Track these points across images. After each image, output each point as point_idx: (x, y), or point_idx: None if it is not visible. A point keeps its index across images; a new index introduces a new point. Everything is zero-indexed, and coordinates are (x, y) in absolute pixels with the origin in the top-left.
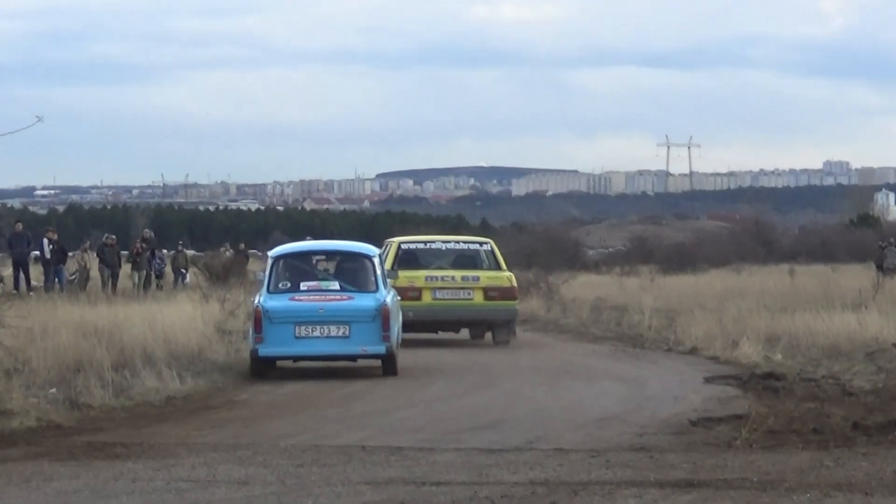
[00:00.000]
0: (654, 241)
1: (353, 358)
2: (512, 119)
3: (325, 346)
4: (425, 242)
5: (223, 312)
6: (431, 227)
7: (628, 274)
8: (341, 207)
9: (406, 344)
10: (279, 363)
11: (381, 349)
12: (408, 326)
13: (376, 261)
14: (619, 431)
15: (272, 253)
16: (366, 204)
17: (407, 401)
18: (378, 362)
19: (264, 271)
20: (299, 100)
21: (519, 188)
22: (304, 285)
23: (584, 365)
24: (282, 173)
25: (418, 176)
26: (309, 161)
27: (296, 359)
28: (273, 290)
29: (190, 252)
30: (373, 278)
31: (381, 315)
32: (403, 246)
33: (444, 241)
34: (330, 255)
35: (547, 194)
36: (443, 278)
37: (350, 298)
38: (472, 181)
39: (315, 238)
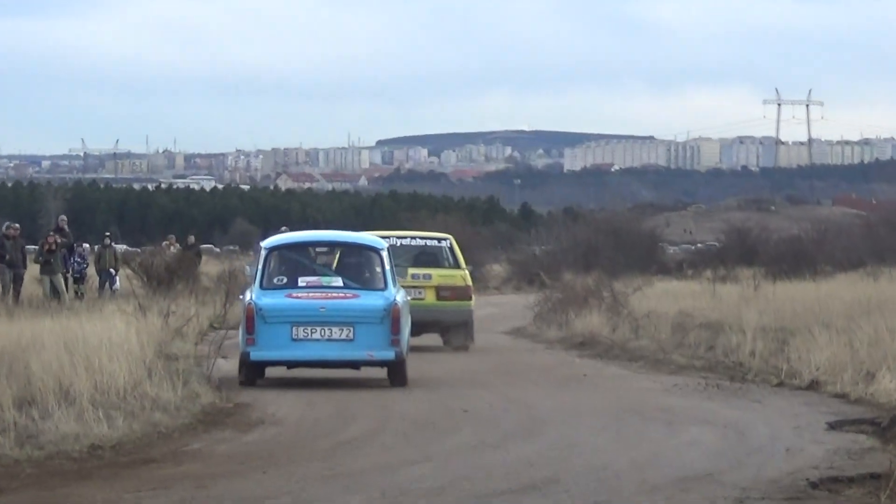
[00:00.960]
0: (758, 234)
1: (356, 365)
2: (563, 67)
3: (325, 351)
4: (382, 238)
5: (167, 331)
6: (453, 216)
7: (723, 279)
8: (328, 187)
9: (415, 368)
10: (268, 370)
11: (390, 355)
12: None
13: (385, 254)
14: (711, 496)
15: (265, 243)
16: (362, 182)
17: (421, 452)
18: (384, 371)
19: (255, 265)
20: (272, 40)
21: (573, 161)
22: (302, 281)
23: (662, 405)
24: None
25: (434, 144)
26: (285, 124)
27: (291, 365)
28: (267, 286)
29: (121, 247)
30: (381, 274)
31: (391, 316)
32: None
33: (399, 238)
34: (332, 246)
35: (612, 169)
36: None
37: (355, 297)
38: (508, 151)
39: (292, 229)
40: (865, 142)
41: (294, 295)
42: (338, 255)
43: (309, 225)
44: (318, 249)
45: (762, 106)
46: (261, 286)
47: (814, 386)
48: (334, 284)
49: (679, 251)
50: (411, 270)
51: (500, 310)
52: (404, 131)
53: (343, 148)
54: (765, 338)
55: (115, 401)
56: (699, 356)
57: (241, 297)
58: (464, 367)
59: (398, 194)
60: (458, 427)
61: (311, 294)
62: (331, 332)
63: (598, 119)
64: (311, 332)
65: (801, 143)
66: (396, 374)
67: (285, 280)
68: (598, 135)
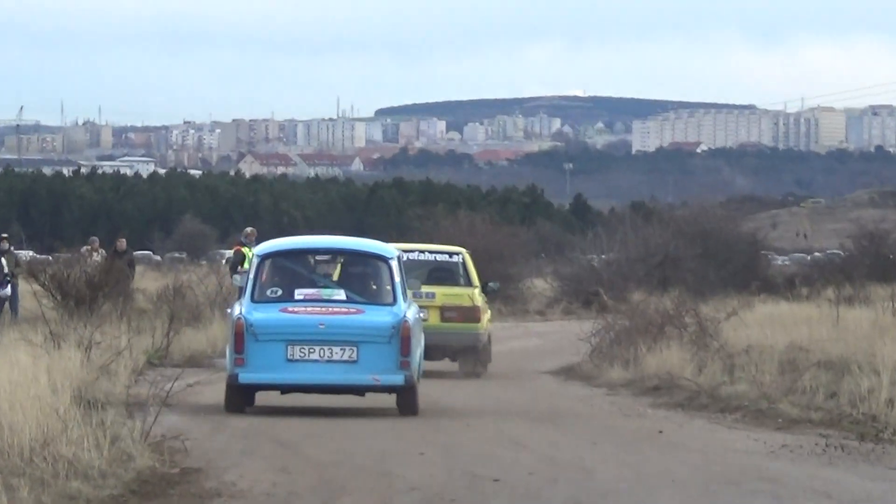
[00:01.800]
0: None
1: (360, 391)
2: (633, 13)
3: (324, 374)
4: None
5: (89, 369)
6: (480, 212)
7: (850, 301)
8: (310, 172)
9: (431, 419)
10: (257, 396)
11: (399, 380)
12: None
13: (395, 264)
14: None
15: (258, 250)
16: (356, 166)
17: None
18: (392, 398)
19: (247, 274)
20: None
21: (644, 138)
22: (299, 293)
23: (766, 473)
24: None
25: (455, 114)
26: (250, 88)
27: (285, 390)
28: (259, 299)
29: (25, 254)
30: (390, 287)
31: (400, 335)
32: None
33: (405, 252)
34: (334, 254)
35: (698, 150)
36: None
37: (359, 312)
38: (556, 124)
39: (258, 230)
40: None
41: (290, 309)
42: (340, 265)
43: (283, 224)
44: (318, 258)
45: None
46: (252, 299)
47: None
48: (336, 298)
49: (790, 262)
50: (412, 290)
51: (544, 341)
52: (413, 97)
53: (330, 120)
54: None
55: (19, 464)
56: (817, 406)
57: (228, 311)
58: (494, 417)
59: (405, 182)
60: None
61: (309, 308)
62: (331, 353)
63: (680, 83)
64: (309, 353)
65: None
66: (406, 401)
67: (280, 292)
68: (680, 103)
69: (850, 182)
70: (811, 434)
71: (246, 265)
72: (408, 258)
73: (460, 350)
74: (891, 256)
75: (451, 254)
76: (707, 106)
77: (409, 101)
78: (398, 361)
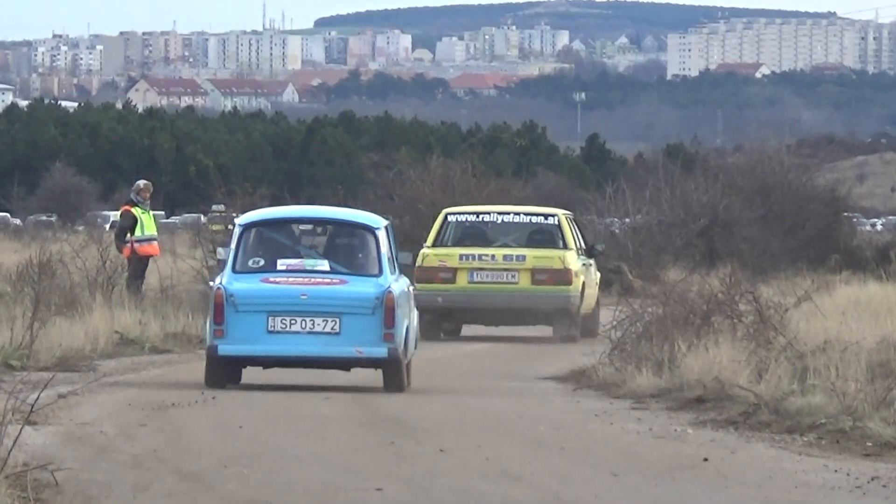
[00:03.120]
0: None
1: (343, 364)
2: None
3: (306, 346)
4: (477, 214)
5: None
6: (459, 158)
7: None
8: (226, 104)
9: (402, 443)
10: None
11: (382, 352)
12: (439, 316)
13: (381, 234)
14: None
15: (240, 220)
16: (289, 95)
17: None
18: (378, 373)
19: (229, 244)
20: None
21: (683, 57)
22: (282, 264)
23: None
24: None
25: (423, 25)
26: None
27: (267, 364)
28: (240, 269)
29: None
30: (376, 258)
31: (384, 306)
32: (450, 218)
33: (500, 213)
34: (319, 224)
35: (757, 74)
36: (480, 257)
37: (343, 283)
38: (563, 39)
39: (154, 185)
40: None
41: (271, 280)
42: (327, 235)
43: (189, 176)
44: (302, 227)
45: None
46: (233, 269)
47: None
48: (319, 268)
49: (883, 228)
50: (503, 251)
51: (547, 335)
52: (367, 3)
53: (254, 33)
54: None
55: None
56: None
57: (210, 283)
58: (479, 439)
59: (355, 118)
60: None
61: (291, 279)
62: (313, 324)
63: None
64: (291, 324)
65: None
66: (392, 376)
67: (262, 263)
68: (733, 10)
69: None
70: None
71: (139, 231)
72: (501, 220)
73: (553, 313)
74: None
75: (546, 216)
76: (770, 14)
77: (360, 8)
78: (382, 334)
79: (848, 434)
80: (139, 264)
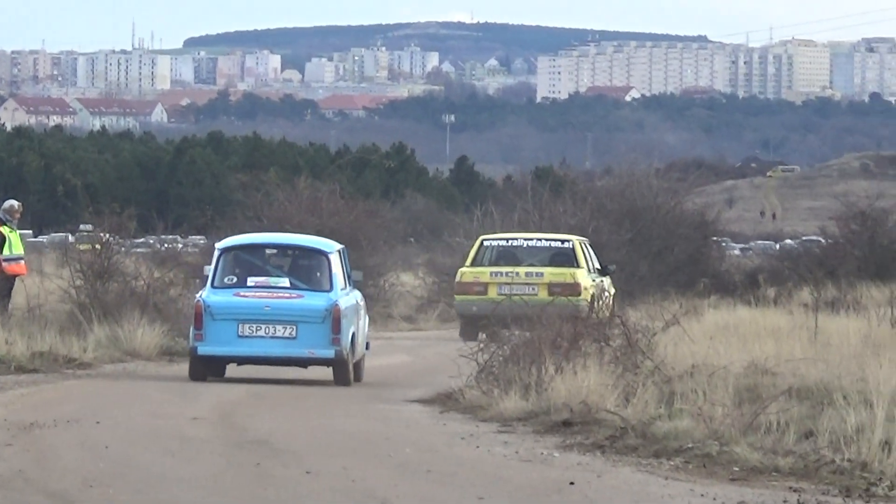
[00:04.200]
0: None
1: (300, 363)
2: None
3: (269, 348)
4: (507, 240)
5: None
6: (328, 180)
7: (833, 306)
8: (95, 124)
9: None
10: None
11: (330, 353)
12: (474, 321)
13: (334, 258)
14: None
15: (219, 245)
16: (158, 115)
17: None
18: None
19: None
20: None
21: (553, 80)
22: (251, 281)
23: None
24: None
25: (292, 46)
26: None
27: (238, 361)
28: (218, 285)
29: None
30: (328, 277)
31: (332, 316)
32: (486, 243)
33: (526, 239)
34: (284, 249)
35: (627, 98)
36: (507, 274)
37: (300, 297)
38: (432, 60)
39: (23, 203)
40: None
41: (242, 294)
42: (290, 258)
43: (58, 195)
44: (270, 251)
45: None
46: (212, 285)
47: None
48: (281, 285)
49: (752, 252)
50: (525, 269)
51: (413, 358)
52: (237, 23)
53: (123, 53)
54: None
55: None
56: (786, 450)
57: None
58: (344, 461)
59: (224, 139)
60: None
61: (257, 293)
62: (275, 330)
63: (604, 5)
64: (256, 330)
65: None
66: (339, 372)
67: (235, 280)
68: (603, 33)
69: (834, 143)
70: (778, 487)
71: (6, 250)
72: (527, 245)
73: (565, 318)
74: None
75: (563, 241)
76: (640, 37)
77: (230, 28)
78: (330, 338)
79: (715, 458)
80: (6, 283)
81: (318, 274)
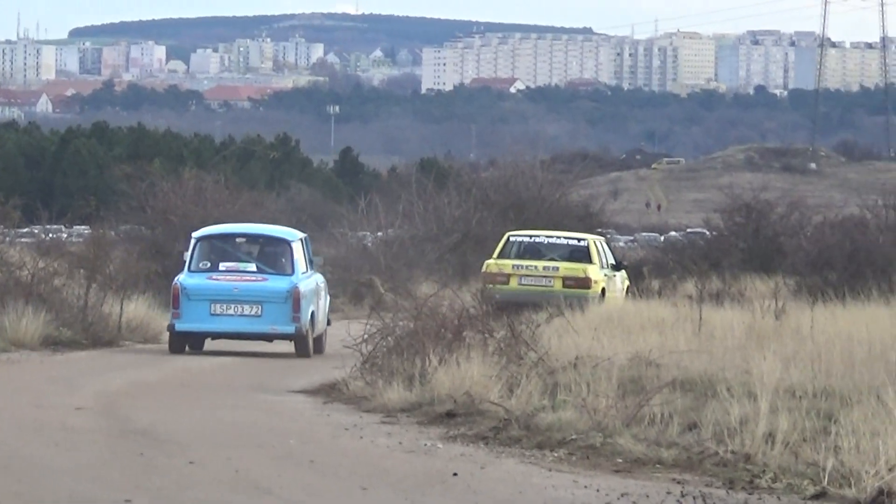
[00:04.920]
0: (785, 213)
1: (265, 337)
2: None
3: (238, 324)
4: (531, 236)
5: None
6: (212, 169)
7: (717, 298)
8: None
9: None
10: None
11: (291, 329)
12: (498, 307)
13: (296, 245)
14: None
15: (195, 234)
16: (42, 106)
17: None
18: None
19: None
20: None
21: (438, 72)
22: (223, 265)
23: None
24: None
25: (177, 37)
26: None
27: (213, 336)
28: (193, 269)
29: None
30: (290, 262)
31: (293, 297)
32: (512, 238)
33: (548, 236)
34: (252, 238)
35: (512, 89)
36: (527, 267)
37: (265, 280)
38: (317, 52)
39: None
40: None
41: (214, 277)
42: (259, 245)
43: None
44: (240, 240)
45: None
46: (188, 269)
47: (883, 499)
48: (249, 269)
49: (636, 244)
50: (543, 263)
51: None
52: (122, 14)
53: (7, 43)
54: (794, 409)
55: None
56: (670, 441)
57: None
58: (229, 451)
59: (109, 129)
60: None
61: (228, 277)
62: (242, 309)
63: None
64: (227, 309)
65: (869, 46)
66: (299, 346)
67: (209, 265)
68: (489, 24)
69: (720, 135)
70: (662, 479)
71: None
72: (548, 241)
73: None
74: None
75: (579, 239)
76: (525, 28)
77: (115, 19)
78: (291, 316)
79: (598, 450)
80: None
81: (282, 260)
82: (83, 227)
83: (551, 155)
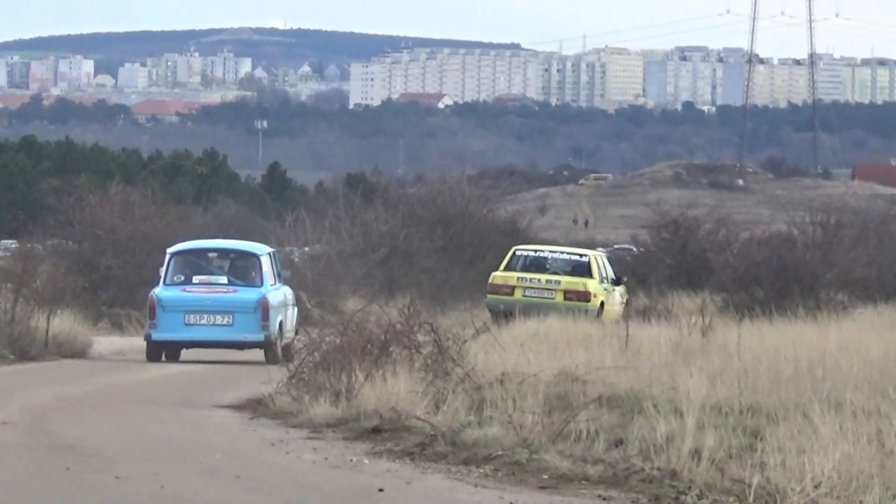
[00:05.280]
0: (712, 230)
1: (237, 345)
2: None
3: (211, 333)
4: (536, 251)
5: None
6: (139, 184)
7: (644, 315)
8: None
9: None
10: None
11: (260, 337)
12: (503, 315)
13: (265, 259)
14: None
15: (170, 249)
16: None
17: None
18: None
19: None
20: None
21: (365, 87)
22: (196, 279)
23: None
24: None
25: (105, 51)
26: None
27: (186, 345)
28: (168, 283)
29: None
30: (259, 275)
31: (262, 307)
32: (518, 252)
33: (552, 252)
34: (223, 252)
35: (440, 105)
36: (531, 280)
37: (235, 292)
38: (245, 66)
39: None
40: None
41: (188, 289)
42: (230, 259)
43: None
44: (212, 254)
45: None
46: (164, 283)
47: None
48: (220, 282)
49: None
50: (546, 276)
51: (224, 364)
52: (50, 28)
53: None
54: (720, 426)
55: None
56: (596, 458)
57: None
58: (154, 466)
59: (36, 144)
60: None
61: (201, 289)
62: (215, 319)
63: (416, 13)
64: (200, 319)
65: (797, 62)
66: (268, 352)
67: (183, 278)
68: (417, 40)
69: (648, 151)
70: (588, 496)
71: None
72: (552, 256)
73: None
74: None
75: (581, 255)
76: (454, 44)
77: (43, 33)
78: (260, 325)
79: (524, 466)
80: None
81: (252, 273)
82: (10, 241)
83: (478, 170)
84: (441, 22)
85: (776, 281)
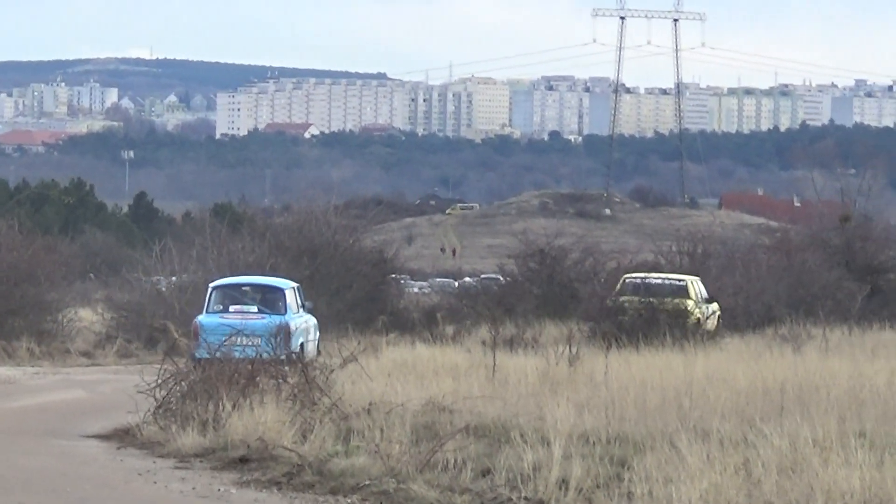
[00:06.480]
0: (579, 259)
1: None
2: None
3: (243, 353)
4: (643, 278)
5: None
6: (5, 214)
7: (511, 344)
8: None
9: None
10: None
11: (283, 356)
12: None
13: (289, 292)
14: None
15: (211, 284)
16: None
17: None
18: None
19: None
20: None
21: (232, 116)
22: (232, 308)
23: None
24: None
25: None
26: None
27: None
28: (210, 311)
29: None
30: (283, 305)
31: (284, 332)
32: (627, 280)
33: (655, 278)
34: (255, 287)
35: (306, 135)
36: (638, 301)
37: (263, 318)
38: (111, 96)
39: None
40: (783, 90)
41: (225, 317)
42: (261, 293)
43: None
44: (245, 288)
45: (591, 20)
46: (206, 311)
47: None
48: (252, 311)
49: (430, 290)
50: (650, 298)
51: (91, 393)
52: None
53: None
54: (587, 455)
55: None
56: (463, 487)
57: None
58: (18, 497)
59: None
60: None
61: (236, 316)
62: (247, 341)
63: (282, 42)
64: (235, 341)
65: (664, 92)
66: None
67: (221, 308)
68: (283, 69)
69: (513, 181)
70: None
71: None
72: (649, 283)
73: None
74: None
75: (680, 279)
76: (320, 74)
77: None
78: (283, 346)
79: (392, 496)
80: None
81: (278, 303)
82: None
83: (345, 200)
84: (307, 52)
85: (643, 310)
